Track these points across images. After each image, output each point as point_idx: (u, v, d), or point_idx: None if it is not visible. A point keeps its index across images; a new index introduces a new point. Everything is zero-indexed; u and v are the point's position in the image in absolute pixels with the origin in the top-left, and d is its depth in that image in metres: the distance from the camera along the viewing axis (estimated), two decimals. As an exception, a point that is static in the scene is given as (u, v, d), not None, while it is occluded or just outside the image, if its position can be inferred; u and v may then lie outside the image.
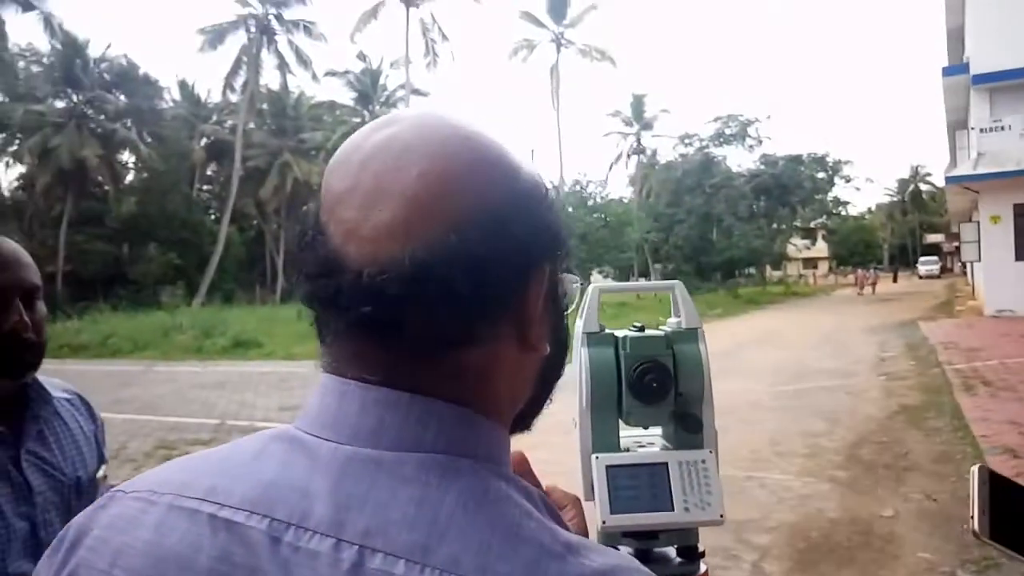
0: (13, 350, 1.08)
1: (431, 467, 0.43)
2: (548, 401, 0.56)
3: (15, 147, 34.31)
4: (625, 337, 0.89)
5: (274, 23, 35.09)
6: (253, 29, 34.73)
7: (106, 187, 36.33)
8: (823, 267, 63.49)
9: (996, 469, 0.72)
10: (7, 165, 36.15)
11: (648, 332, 0.90)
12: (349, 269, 0.43)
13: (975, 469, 0.68)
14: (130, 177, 39.62)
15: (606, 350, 0.89)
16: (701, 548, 0.90)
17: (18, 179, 36.91)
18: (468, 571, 0.39)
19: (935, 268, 54.42)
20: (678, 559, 0.89)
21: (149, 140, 36.47)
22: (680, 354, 0.89)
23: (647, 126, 49.48)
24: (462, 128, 0.48)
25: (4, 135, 35.05)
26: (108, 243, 34.94)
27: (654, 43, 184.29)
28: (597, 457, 0.88)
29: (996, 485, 0.69)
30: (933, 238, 70.68)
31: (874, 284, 36.73)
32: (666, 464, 0.86)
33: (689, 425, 0.88)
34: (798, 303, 31.27)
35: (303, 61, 35.66)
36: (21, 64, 34.61)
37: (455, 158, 0.45)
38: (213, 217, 39.48)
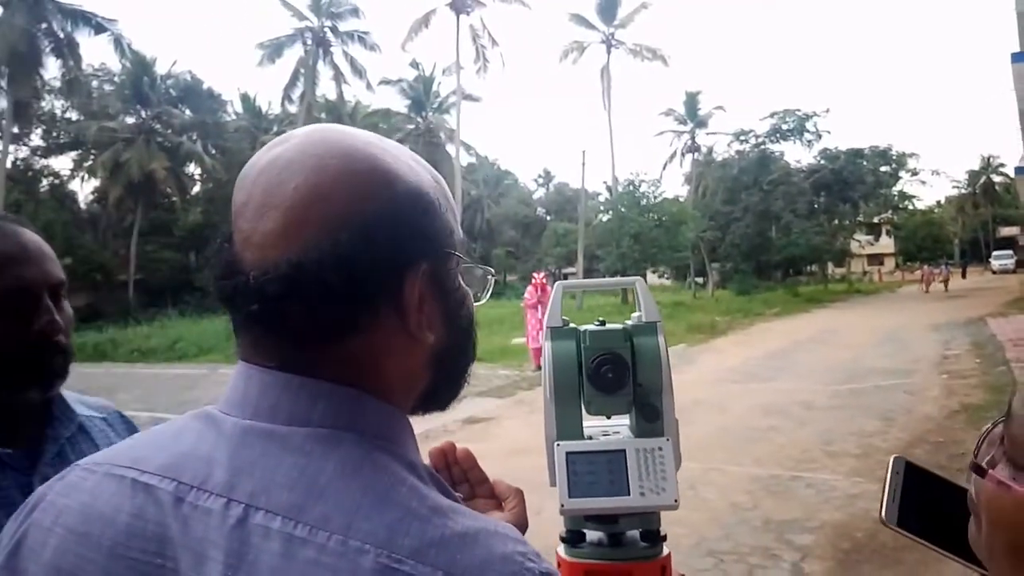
0: (44, 354, 0.95)
1: (316, 439, 0.49)
2: (460, 383, 0.64)
3: (90, 162, 36.20)
4: (586, 331, 0.94)
5: (329, 35, 36.01)
6: (310, 42, 35.70)
7: (173, 198, 37.93)
8: (889, 263, 61.15)
9: None
10: (83, 180, 38.24)
11: (608, 326, 0.95)
12: (243, 272, 0.51)
13: (892, 459, 0.71)
14: (196, 188, 41.31)
15: (568, 343, 0.94)
16: (663, 532, 0.94)
17: (93, 192, 38.96)
18: (335, 528, 0.45)
19: (1010, 262, 51.76)
20: (643, 543, 0.94)
21: (213, 152, 37.98)
22: (639, 347, 0.93)
23: (701, 124, 48.67)
24: (341, 144, 0.54)
25: (80, 151, 37.05)
26: (176, 252, 36.49)
27: (707, 40, 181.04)
28: (559, 444, 0.93)
29: (912, 475, 0.71)
30: (1008, 231, 67.31)
31: (946, 281, 34.41)
32: (624, 451, 0.91)
33: (648, 414, 0.92)
34: (861, 301, 30.26)
35: (358, 71, 36.48)
36: (94, 83, 36.52)
37: (327, 171, 0.51)
38: (274, 225, 40.69)
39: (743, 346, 14.22)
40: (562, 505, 0.90)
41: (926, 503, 0.70)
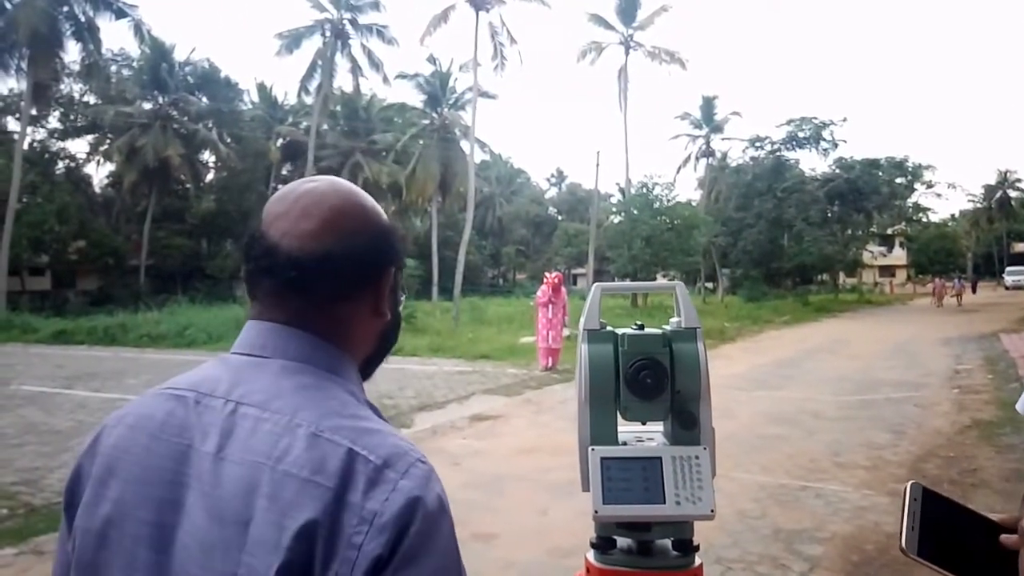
0: None
1: (288, 367, 0.75)
2: (384, 357, 0.88)
3: (106, 146, 36.37)
4: (624, 335, 0.92)
5: (348, 28, 35.98)
6: (328, 33, 35.68)
7: (187, 185, 38.10)
8: (901, 275, 60.72)
9: None
10: (98, 163, 38.45)
11: (647, 331, 0.93)
12: (282, 253, 0.77)
13: (908, 486, 0.68)
14: (210, 176, 41.48)
15: (605, 347, 0.92)
16: (696, 542, 0.92)
17: (108, 176, 39.16)
18: (285, 415, 0.70)
19: (1022, 278, 51.29)
20: (674, 552, 0.92)
21: (228, 140, 38.09)
22: (678, 353, 0.91)
23: (717, 129, 48.43)
24: (354, 190, 0.84)
25: (96, 135, 37.23)
26: (188, 238, 36.64)
27: (726, 45, 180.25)
28: (593, 449, 0.91)
29: (929, 502, 0.69)
30: (1022, 247, 66.70)
31: (959, 295, 33.23)
32: (660, 458, 0.89)
33: (685, 422, 0.91)
34: (872, 312, 30.06)
35: (375, 64, 36.41)
36: (113, 68, 36.70)
37: (350, 202, 0.81)
38: (288, 216, 40.79)
39: (752, 353, 14.15)
40: (595, 511, 0.88)
41: (944, 530, 0.68)
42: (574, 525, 4.29)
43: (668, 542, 0.93)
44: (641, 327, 0.94)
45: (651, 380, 0.89)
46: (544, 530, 4.43)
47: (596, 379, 0.92)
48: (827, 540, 4.21)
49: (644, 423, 0.96)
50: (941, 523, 0.69)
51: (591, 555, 0.96)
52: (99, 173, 39.58)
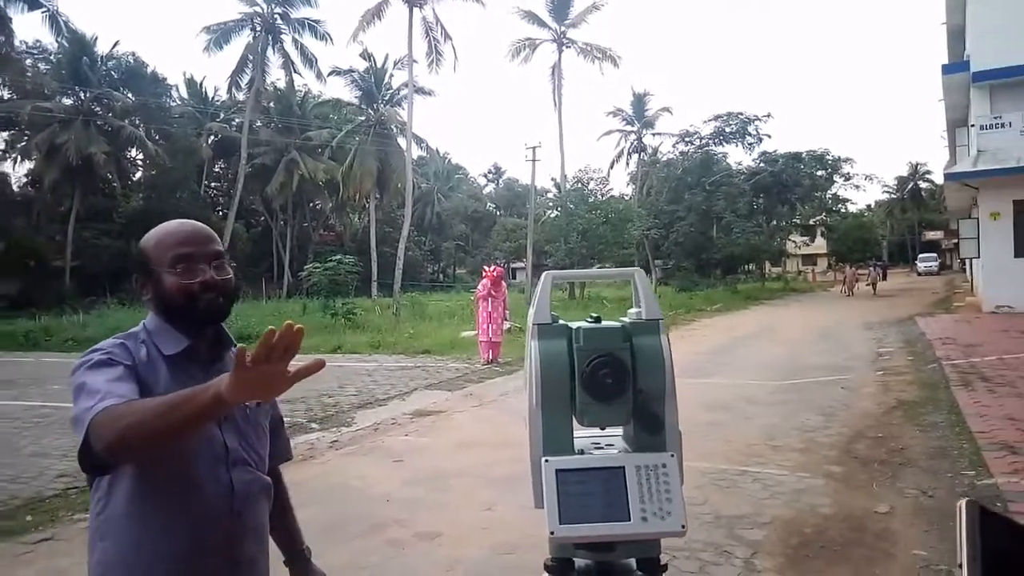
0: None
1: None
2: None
3: (23, 143, 34.19)
4: (579, 329, 0.82)
5: (279, 22, 34.93)
6: (258, 28, 34.57)
7: (114, 183, 36.23)
8: (822, 263, 63.34)
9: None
10: (15, 161, 36.14)
11: (604, 324, 0.83)
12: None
13: (963, 504, 0.59)
14: (138, 174, 39.57)
15: (558, 343, 0.81)
16: (663, 560, 0.82)
17: (26, 175, 36.88)
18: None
19: (934, 265, 54.23)
20: (639, 572, 0.82)
21: (156, 137, 36.39)
22: (640, 348, 0.81)
23: (648, 124, 49.26)
24: None
25: (12, 132, 35.00)
26: (116, 239, 34.77)
27: (657, 41, 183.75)
28: (547, 460, 0.80)
29: (987, 523, 0.59)
30: (932, 235, 70.53)
31: (874, 284, 32.78)
32: (623, 468, 0.79)
33: (649, 425, 0.81)
34: (797, 299, 31.19)
35: (308, 60, 35.51)
36: (28, 61, 34.51)
37: None
38: (220, 213, 39.45)
39: (686, 341, 14.41)
40: (552, 532, 0.76)
41: (1009, 556, 0.59)
42: (519, 520, 4.21)
43: (632, 562, 0.83)
44: (597, 319, 0.83)
45: (611, 379, 0.79)
46: (489, 526, 4.34)
47: (549, 380, 0.81)
48: (767, 524, 4.26)
49: (603, 428, 0.86)
50: (1004, 548, 0.59)
51: None
52: (17, 171, 37.14)
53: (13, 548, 4.30)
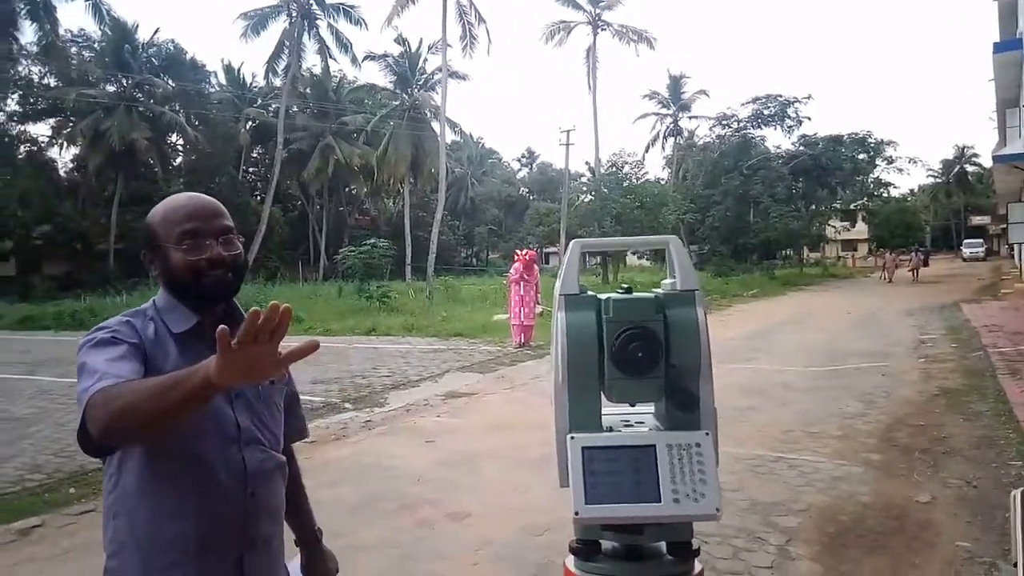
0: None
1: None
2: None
3: (69, 130, 35.05)
4: (609, 300, 0.77)
5: (315, 7, 35.10)
6: (294, 14, 34.79)
7: (155, 169, 36.98)
8: (862, 249, 61.82)
9: None
10: (62, 147, 37.11)
11: (637, 295, 0.78)
12: None
13: (1017, 494, 0.54)
14: (179, 159, 40.31)
15: (586, 314, 0.76)
16: (695, 544, 0.78)
17: (72, 161, 37.82)
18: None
19: (980, 250, 52.63)
20: (669, 556, 0.77)
21: (196, 123, 37.01)
22: (674, 320, 0.76)
23: (684, 107, 48.48)
24: None
25: (59, 118, 35.89)
26: (158, 223, 35.52)
27: (694, 23, 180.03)
28: (573, 437, 0.76)
29: None
30: (979, 220, 68.30)
31: (916, 269, 30.71)
32: (653, 447, 0.74)
33: (682, 402, 0.76)
34: (836, 285, 30.53)
35: (343, 45, 35.67)
36: (73, 49, 35.28)
37: None
38: (258, 198, 40.02)
39: (722, 327, 14.20)
40: (576, 513, 0.72)
41: None
42: (551, 502, 4.19)
43: (662, 545, 0.79)
44: (628, 290, 0.78)
45: (642, 353, 0.74)
46: (520, 507, 4.33)
47: (576, 353, 0.76)
48: (803, 512, 4.18)
49: (633, 405, 0.81)
50: None
51: (570, 562, 0.81)
52: (63, 157, 38.17)
53: (57, 519, 4.44)
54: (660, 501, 0.72)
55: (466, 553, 3.73)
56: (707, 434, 0.76)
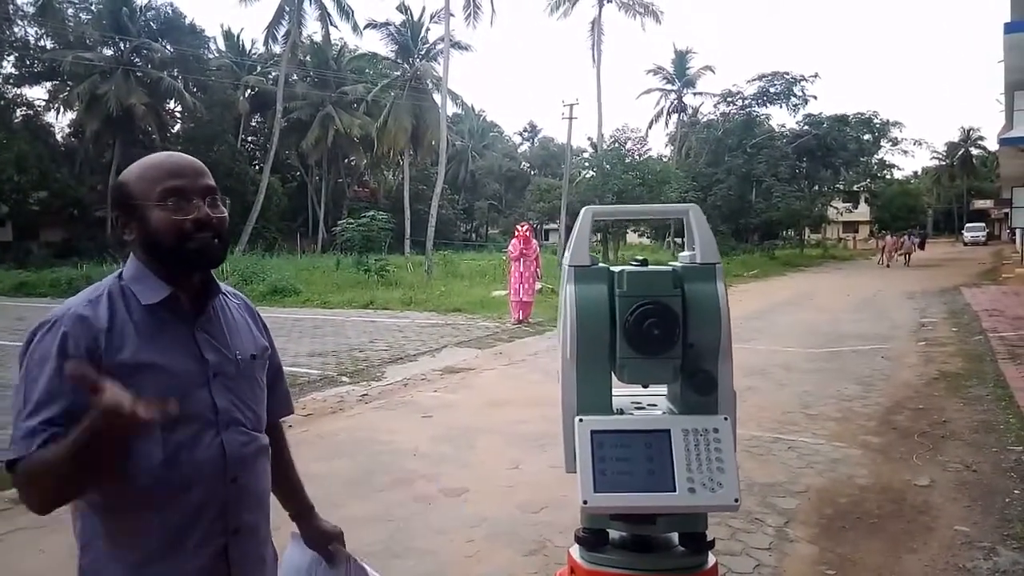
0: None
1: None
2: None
3: (65, 94, 34.62)
4: (622, 272, 0.69)
5: (316, -28, 34.47)
6: (295, -22, 34.20)
7: (153, 136, 36.60)
8: (864, 231, 61.64)
9: None
10: (58, 112, 36.69)
11: (653, 268, 0.71)
12: None
13: None
14: (176, 126, 39.89)
15: (597, 287, 0.69)
16: (710, 536, 0.72)
17: (69, 125, 37.40)
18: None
19: (981, 235, 52.47)
20: (682, 548, 0.71)
21: (195, 90, 36.52)
22: (692, 295, 0.68)
23: (689, 83, 47.90)
24: None
25: (55, 82, 35.42)
26: (156, 189, 35.27)
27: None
28: (581, 420, 0.69)
29: None
30: (981, 204, 68.00)
31: (908, 254, 29.59)
32: (668, 432, 0.68)
33: (700, 384, 0.69)
34: (837, 266, 30.45)
35: (344, 12, 35.06)
36: (70, 11, 34.71)
37: None
38: (257, 167, 39.63)
39: (721, 307, 14.16)
40: (584, 501, 0.65)
41: None
42: (547, 479, 4.17)
43: (674, 536, 0.73)
44: (644, 263, 0.71)
45: (657, 330, 0.67)
46: (516, 484, 4.31)
47: (585, 330, 0.69)
48: (801, 493, 4.16)
49: (646, 386, 0.75)
50: None
51: (576, 552, 0.75)
52: (60, 122, 37.73)
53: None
54: (675, 490, 0.66)
55: (462, 529, 3.71)
56: (726, 419, 0.69)
